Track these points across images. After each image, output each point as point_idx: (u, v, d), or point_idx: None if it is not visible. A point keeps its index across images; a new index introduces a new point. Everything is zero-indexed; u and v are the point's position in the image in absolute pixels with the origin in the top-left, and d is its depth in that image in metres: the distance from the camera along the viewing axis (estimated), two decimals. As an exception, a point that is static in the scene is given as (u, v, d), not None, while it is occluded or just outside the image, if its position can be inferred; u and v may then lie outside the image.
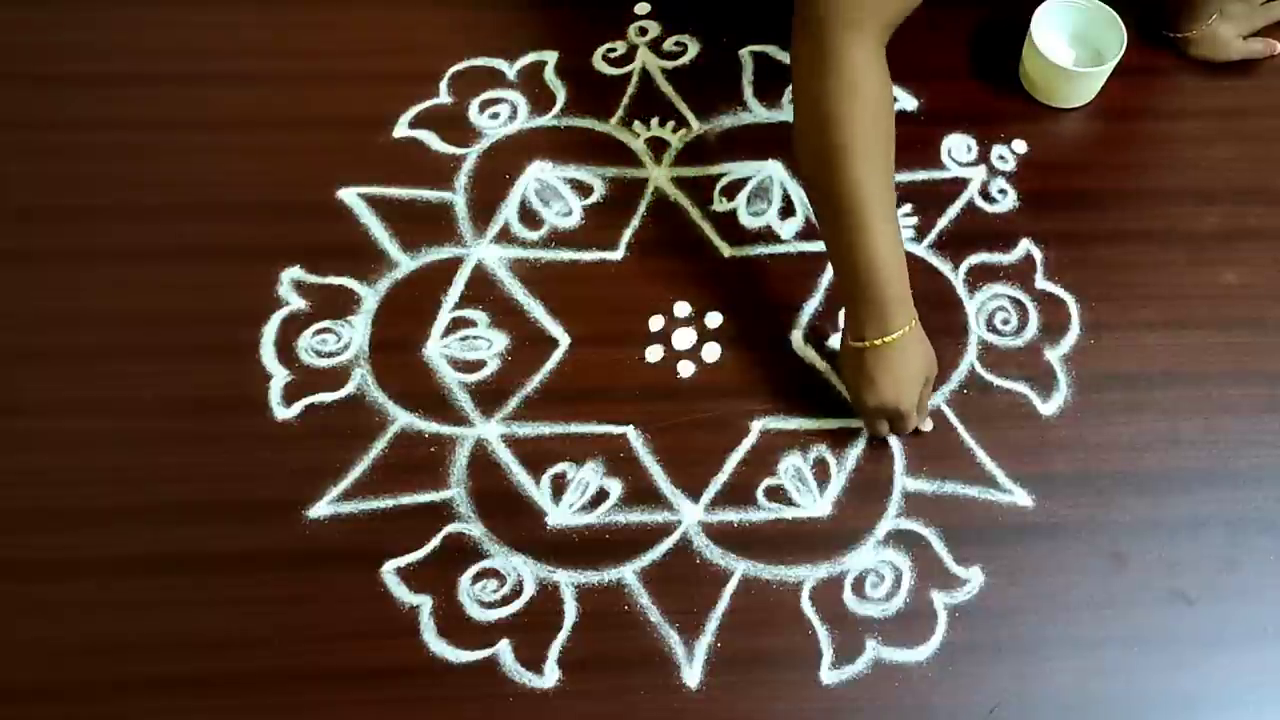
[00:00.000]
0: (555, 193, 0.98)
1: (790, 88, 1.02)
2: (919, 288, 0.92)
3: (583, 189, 0.98)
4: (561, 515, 0.84)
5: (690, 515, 0.84)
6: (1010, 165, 0.99)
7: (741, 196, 0.98)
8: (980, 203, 0.97)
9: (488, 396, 0.88)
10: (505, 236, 0.95)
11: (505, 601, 0.81)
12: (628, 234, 0.96)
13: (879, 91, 0.78)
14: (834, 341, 0.91)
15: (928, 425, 0.86)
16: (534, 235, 0.95)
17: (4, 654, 0.78)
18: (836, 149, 0.76)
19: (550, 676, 0.78)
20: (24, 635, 0.79)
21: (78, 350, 0.89)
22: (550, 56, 1.04)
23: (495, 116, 1.01)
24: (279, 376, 0.88)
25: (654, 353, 0.90)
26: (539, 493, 0.85)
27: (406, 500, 0.84)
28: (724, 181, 0.98)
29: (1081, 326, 0.92)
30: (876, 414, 0.83)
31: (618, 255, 0.95)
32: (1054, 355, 0.91)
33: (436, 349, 0.90)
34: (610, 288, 0.93)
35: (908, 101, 1.02)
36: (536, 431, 0.87)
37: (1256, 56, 1.04)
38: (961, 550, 0.83)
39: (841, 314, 0.86)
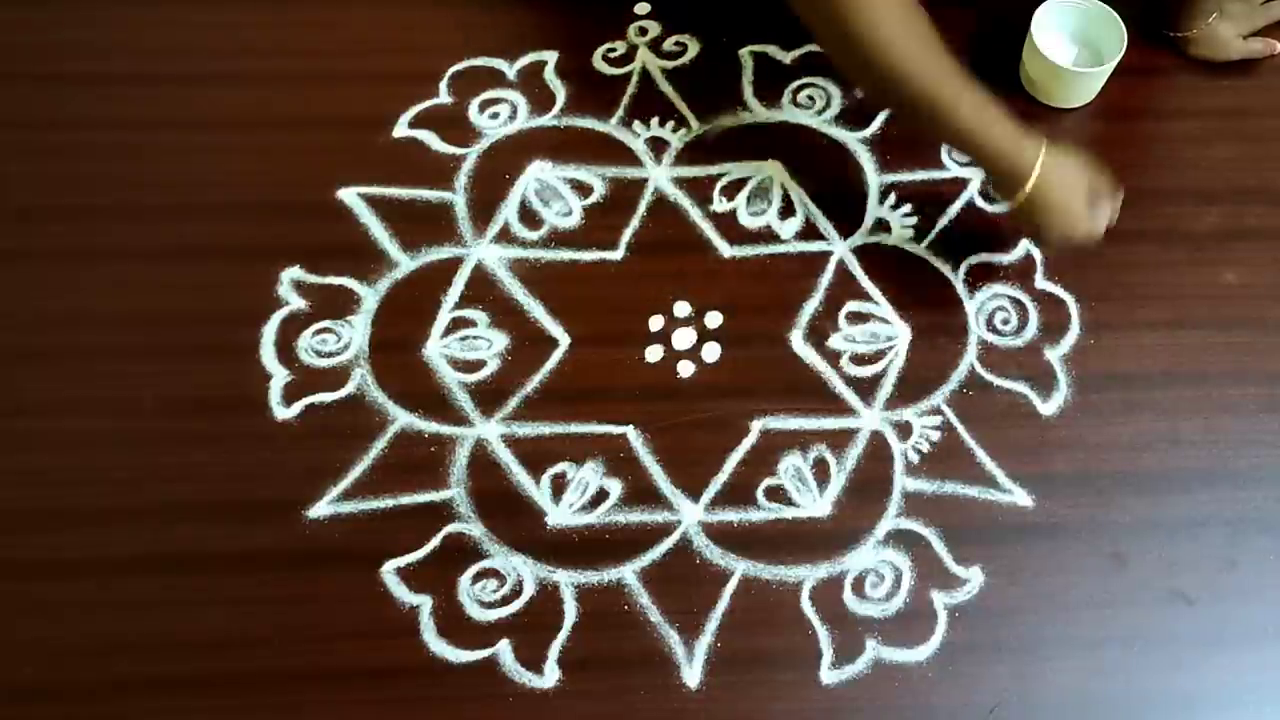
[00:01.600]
0: (555, 193, 0.98)
1: (795, 87, 1.02)
2: (919, 287, 0.93)
3: (583, 189, 0.98)
4: (561, 515, 0.84)
5: (690, 515, 0.84)
6: (1010, 165, 0.99)
7: (741, 196, 0.98)
8: (980, 203, 0.97)
9: (488, 396, 0.88)
10: (505, 236, 0.95)
11: (505, 601, 0.81)
12: (628, 234, 0.96)
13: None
14: (834, 342, 0.90)
15: (1113, 214, 0.87)
16: (534, 235, 0.95)
17: (4, 654, 0.78)
18: (883, 69, 0.77)
19: (550, 676, 0.78)
20: (24, 635, 0.79)
21: (78, 350, 0.89)
22: (550, 56, 1.04)
23: (495, 116, 1.01)
24: (279, 376, 0.88)
25: (654, 353, 0.90)
26: (539, 493, 0.85)
27: (406, 500, 0.84)
28: (724, 181, 0.98)
29: (1081, 326, 0.92)
30: (1064, 243, 0.85)
31: (618, 255, 0.95)
32: (1054, 355, 0.91)
33: (436, 349, 0.90)
34: (610, 288, 0.93)
35: (908, 101, 1.02)
36: (536, 431, 0.87)
37: (1256, 56, 1.04)
38: (961, 550, 0.83)
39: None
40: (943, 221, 0.96)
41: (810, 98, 1.02)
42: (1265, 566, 0.83)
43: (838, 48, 0.81)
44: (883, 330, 0.92)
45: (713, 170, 0.99)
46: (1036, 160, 0.81)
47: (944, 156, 0.99)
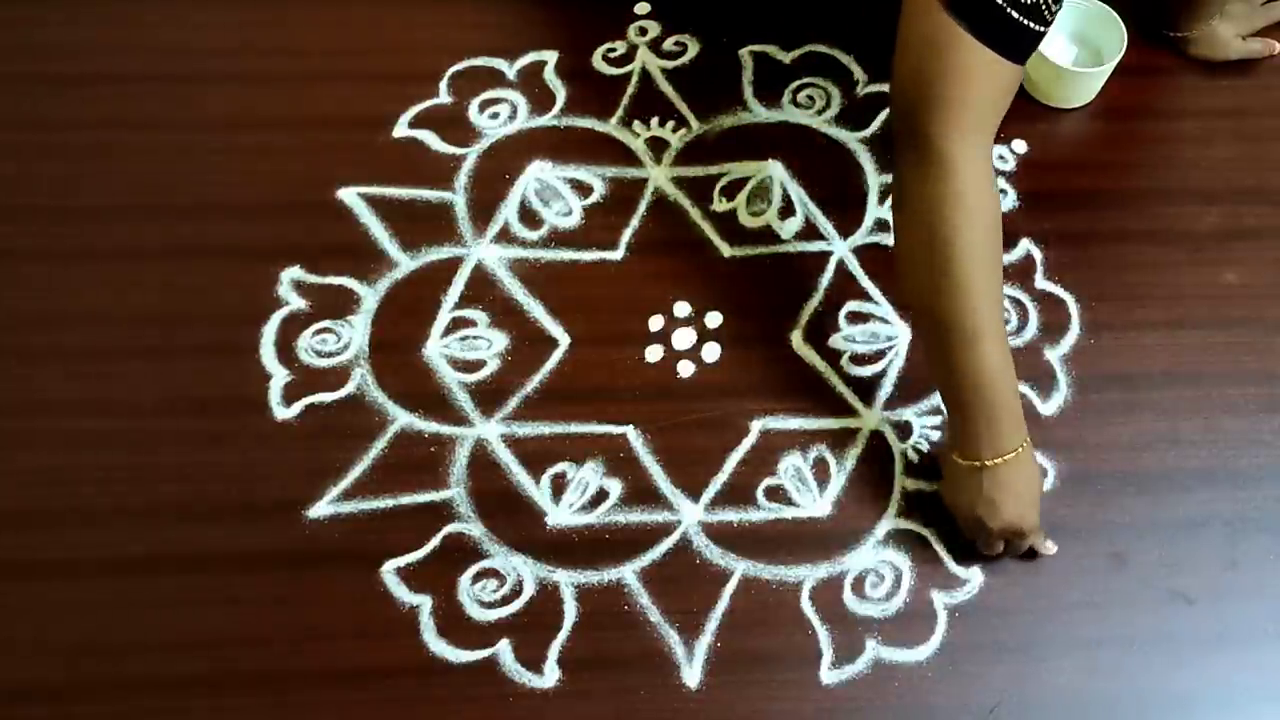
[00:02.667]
0: (555, 193, 0.98)
1: (795, 87, 1.02)
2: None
3: (583, 189, 0.98)
4: (561, 515, 0.84)
5: (690, 515, 0.84)
6: (1010, 165, 0.99)
7: (741, 196, 0.98)
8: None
9: (488, 396, 0.88)
10: (505, 236, 0.95)
11: (505, 601, 0.81)
12: (628, 234, 0.96)
13: (991, 203, 0.74)
14: (834, 342, 0.90)
15: (1051, 547, 0.81)
16: (534, 235, 0.95)
17: (4, 654, 0.78)
18: (950, 272, 0.72)
19: (550, 676, 0.78)
20: (24, 635, 0.79)
21: (78, 350, 0.89)
22: (550, 56, 1.04)
23: (495, 116, 1.01)
24: (279, 376, 0.88)
25: (654, 353, 0.90)
26: (539, 493, 0.85)
27: (406, 500, 0.84)
28: (724, 181, 0.98)
29: (1081, 326, 0.92)
30: (999, 535, 0.78)
31: (618, 255, 0.95)
32: (1054, 355, 0.91)
33: (436, 349, 0.90)
34: (610, 288, 0.93)
35: (908, 101, 1.02)
36: (536, 431, 0.87)
37: (1256, 56, 1.04)
38: (961, 550, 0.83)
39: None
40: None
41: (810, 98, 1.02)
42: (1265, 566, 0.83)
43: (913, 233, 0.74)
44: (883, 330, 0.92)
45: (713, 170, 0.99)
46: (1021, 442, 0.76)
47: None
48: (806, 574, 0.82)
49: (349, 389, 0.88)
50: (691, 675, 0.78)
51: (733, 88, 1.03)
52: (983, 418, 0.75)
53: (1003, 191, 0.98)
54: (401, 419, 0.87)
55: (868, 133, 1.00)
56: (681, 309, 0.92)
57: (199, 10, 1.07)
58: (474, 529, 0.83)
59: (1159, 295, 0.94)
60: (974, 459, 0.76)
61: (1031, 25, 0.70)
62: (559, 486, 0.85)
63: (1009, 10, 0.68)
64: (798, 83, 1.03)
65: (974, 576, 0.82)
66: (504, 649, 0.79)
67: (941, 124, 0.71)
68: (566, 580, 0.81)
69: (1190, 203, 0.98)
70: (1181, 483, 0.86)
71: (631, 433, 0.87)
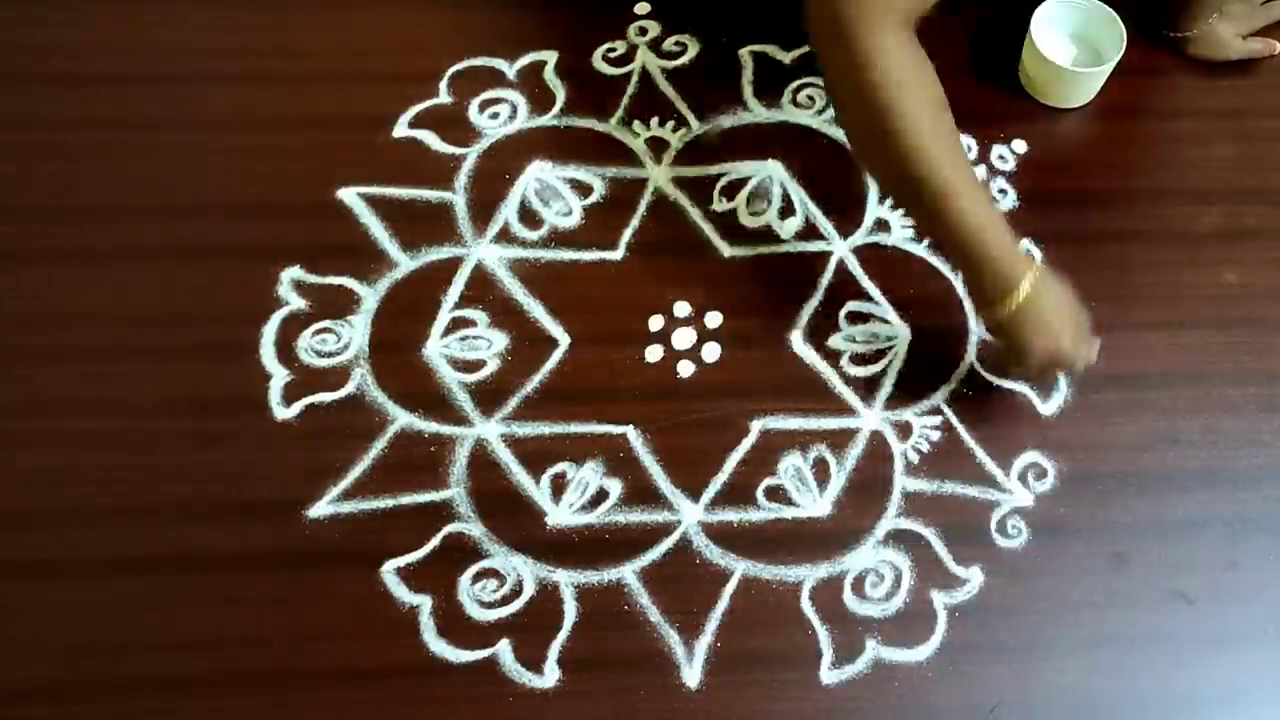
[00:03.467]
0: (555, 192, 0.98)
1: (795, 87, 1.02)
2: (919, 287, 0.93)
3: (582, 189, 0.98)
4: (561, 515, 0.84)
5: (690, 515, 0.84)
6: (1010, 165, 0.99)
7: (741, 196, 0.98)
8: (980, 203, 0.97)
9: (487, 396, 0.88)
10: (505, 236, 0.95)
11: (505, 601, 0.81)
12: (628, 234, 0.96)
13: (918, 72, 0.76)
14: (834, 342, 0.90)
15: (1093, 352, 0.83)
16: (534, 235, 0.95)
17: (4, 654, 0.78)
18: (892, 134, 0.75)
19: (550, 676, 0.78)
20: (24, 635, 0.79)
21: (78, 350, 0.89)
22: (550, 56, 1.04)
23: (495, 116, 1.01)
24: (279, 376, 0.88)
25: (654, 353, 0.90)
26: (539, 492, 0.85)
27: (406, 500, 0.84)
28: (724, 181, 0.98)
29: (1081, 326, 0.92)
30: (1041, 371, 0.81)
31: (618, 255, 0.95)
32: (1054, 355, 0.91)
33: (436, 349, 0.90)
34: (610, 288, 0.93)
35: (908, 101, 1.02)
36: (536, 431, 0.87)
37: (1256, 56, 1.04)
38: (961, 550, 0.83)
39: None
40: (943, 221, 0.96)
41: (810, 98, 1.02)
42: (1265, 566, 0.83)
43: (857, 116, 0.78)
44: (883, 330, 0.92)
45: (713, 170, 0.99)
46: (1030, 270, 0.78)
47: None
48: (806, 574, 0.82)
49: (349, 389, 0.88)
50: (691, 675, 0.78)
51: (733, 88, 1.03)
52: (981, 268, 0.77)
53: (1002, 191, 0.98)
54: (401, 419, 0.87)
55: (868, 133, 1.00)
56: (681, 309, 0.92)
57: (199, 10, 1.07)
58: (474, 529, 0.83)
59: (1159, 295, 0.94)
60: (989, 311, 0.79)
61: None
62: (559, 486, 0.85)
63: None
64: (798, 83, 1.03)
65: (974, 576, 0.82)
66: (504, 649, 0.79)
67: (854, 14, 0.74)
68: (566, 580, 0.81)
69: (1190, 203, 0.98)
70: (1181, 483, 0.86)
71: (631, 433, 0.87)
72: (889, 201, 0.97)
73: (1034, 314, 0.78)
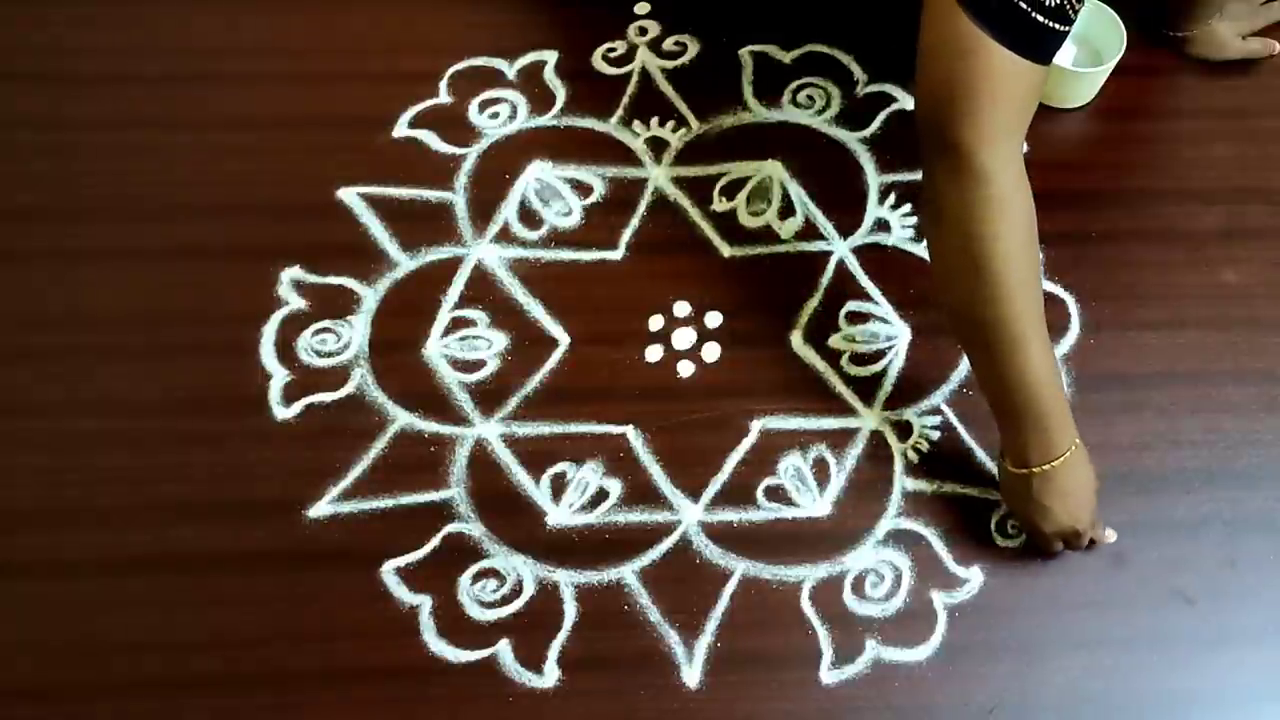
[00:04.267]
0: (555, 192, 0.98)
1: (795, 87, 1.02)
2: (919, 287, 0.93)
3: (582, 189, 0.98)
4: (561, 515, 0.84)
5: (690, 515, 0.84)
6: (1010, 165, 0.99)
7: (741, 196, 0.98)
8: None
9: (487, 396, 0.88)
10: (505, 236, 0.95)
11: (505, 601, 0.81)
12: (628, 234, 0.96)
13: (1027, 205, 0.72)
14: (834, 342, 0.90)
15: (1110, 536, 0.82)
16: (534, 235, 0.95)
17: (3, 654, 0.78)
18: (991, 279, 0.71)
19: (550, 676, 0.78)
20: (23, 635, 0.79)
21: (78, 350, 0.89)
22: (550, 56, 1.04)
23: (495, 116, 1.01)
24: (279, 376, 0.88)
25: (654, 352, 0.90)
26: (539, 492, 0.85)
27: (406, 500, 0.84)
28: (724, 181, 0.98)
29: (1081, 326, 0.92)
30: (1054, 538, 0.79)
31: (618, 255, 0.95)
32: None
33: (436, 349, 0.90)
34: (610, 287, 0.93)
35: (907, 101, 1.02)
36: (536, 431, 0.87)
37: (1256, 56, 1.04)
38: (961, 550, 0.83)
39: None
40: (943, 221, 0.96)
41: (810, 98, 1.02)
42: (1265, 566, 0.83)
43: (951, 242, 0.73)
44: (883, 330, 0.92)
45: (713, 170, 0.99)
46: (1070, 444, 0.75)
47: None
48: (806, 574, 0.82)
49: (349, 389, 0.88)
50: (691, 675, 0.78)
51: (733, 88, 1.03)
52: (1030, 425, 0.75)
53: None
54: (401, 419, 0.87)
55: (868, 133, 1.00)
56: (681, 309, 0.92)
57: (200, 10, 1.07)
58: (474, 529, 0.83)
59: (1159, 295, 0.94)
60: (1023, 466, 0.76)
61: (1055, 26, 0.69)
62: (559, 486, 0.85)
63: (1033, 14, 0.67)
64: (798, 83, 1.03)
65: (974, 576, 0.82)
66: (504, 649, 0.79)
67: (973, 131, 0.69)
68: (566, 580, 0.81)
69: (1190, 203, 0.98)
70: (1181, 483, 0.86)
71: (631, 433, 0.87)
72: (890, 199, 0.96)
73: (1063, 483, 0.76)
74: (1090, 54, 1.03)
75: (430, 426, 0.87)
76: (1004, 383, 0.74)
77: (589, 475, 0.85)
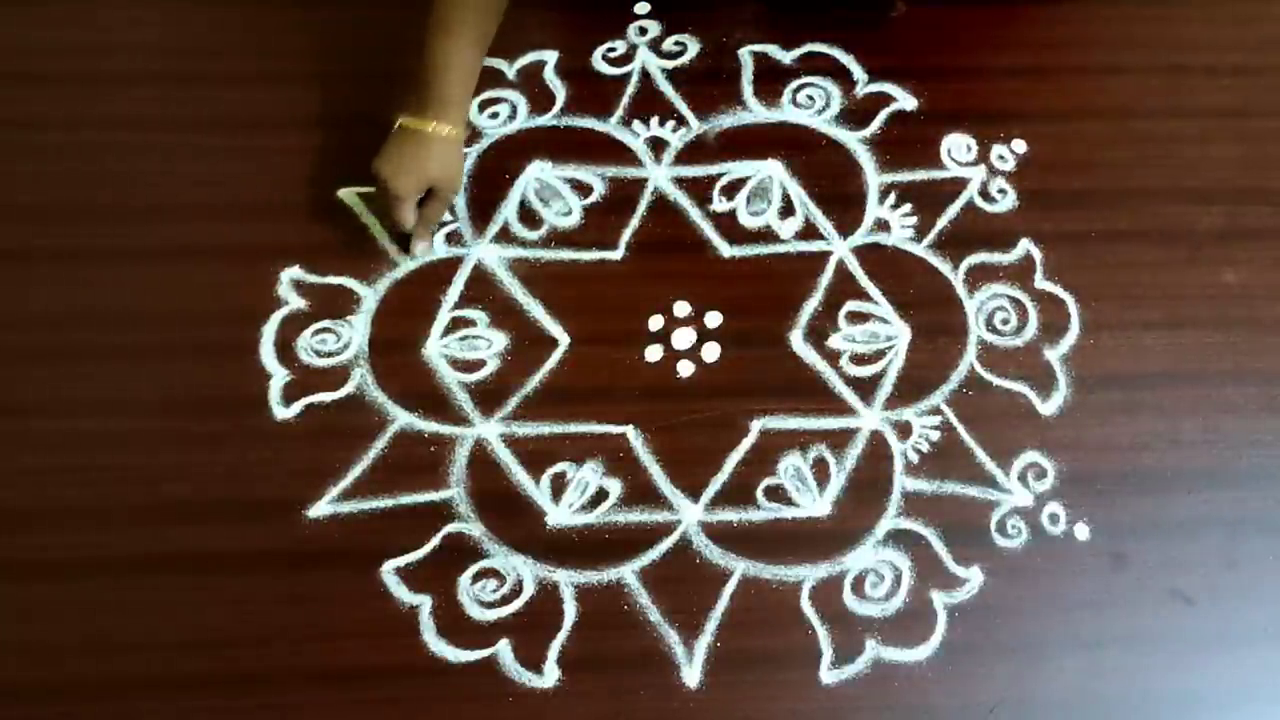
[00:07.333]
0: (555, 192, 0.98)
1: (795, 87, 1.02)
2: (919, 287, 0.93)
3: (582, 189, 0.98)
4: (561, 515, 0.84)
5: (690, 515, 0.84)
6: (1010, 165, 0.99)
7: (741, 196, 0.98)
8: (980, 202, 0.97)
9: (487, 396, 0.88)
10: (505, 236, 0.95)
11: (505, 601, 0.81)
12: (627, 234, 0.96)
13: None
14: (834, 342, 0.91)
15: (420, 247, 0.92)
16: (534, 235, 0.95)
17: (4, 654, 0.78)
18: None
19: (550, 676, 0.78)
20: (24, 635, 0.79)
21: (78, 350, 0.89)
22: (550, 56, 1.04)
23: (495, 116, 1.01)
24: (278, 376, 0.88)
25: (654, 352, 0.90)
26: (539, 492, 0.85)
27: (406, 500, 0.84)
28: (724, 181, 0.98)
29: (1081, 326, 0.92)
30: (379, 186, 0.89)
31: (618, 255, 0.95)
32: (1053, 355, 0.91)
33: (436, 349, 0.90)
34: (610, 287, 0.93)
35: (907, 101, 1.02)
36: (536, 431, 0.87)
37: None
38: (961, 550, 0.83)
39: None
40: (942, 221, 0.96)
41: (810, 98, 1.02)
42: (1265, 566, 0.83)
43: None
44: (883, 330, 0.92)
45: (713, 170, 0.99)
46: (434, 121, 0.88)
47: (943, 156, 0.99)
48: (806, 574, 0.82)
49: (349, 389, 0.88)
50: (691, 675, 0.78)
51: (733, 88, 1.03)
52: (420, 84, 0.89)
53: (1002, 191, 0.98)
54: (401, 419, 0.87)
55: (868, 133, 1.00)
56: (681, 309, 0.92)
57: (199, 11, 1.07)
58: (474, 529, 0.83)
59: (1159, 295, 0.94)
60: (396, 117, 0.89)
61: None
62: (559, 486, 0.85)
63: None
64: (798, 83, 1.03)
65: (974, 576, 0.82)
66: (504, 649, 0.79)
67: None
68: (566, 580, 0.81)
69: (1190, 203, 0.98)
70: (1181, 483, 0.86)
71: (631, 433, 0.87)
72: (890, 199, 0.97)
73: (405, 143, 0.89)
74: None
75: (430, 426, 0.87)
76: (421, 46, 0.89)
77: (589, 475, 0.85)
